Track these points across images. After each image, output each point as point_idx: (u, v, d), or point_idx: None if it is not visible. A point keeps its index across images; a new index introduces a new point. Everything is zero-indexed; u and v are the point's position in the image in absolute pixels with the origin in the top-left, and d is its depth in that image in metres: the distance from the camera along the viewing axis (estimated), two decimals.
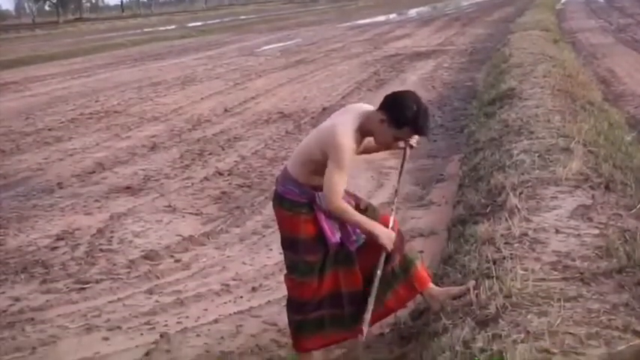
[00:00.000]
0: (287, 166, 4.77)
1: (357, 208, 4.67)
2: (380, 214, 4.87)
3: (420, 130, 4.50)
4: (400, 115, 4.43)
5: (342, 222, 4.64)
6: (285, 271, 4.87)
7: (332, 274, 4.73)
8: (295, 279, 4.77)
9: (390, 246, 4.60)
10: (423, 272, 4.88)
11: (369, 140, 4.68)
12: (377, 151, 4.96)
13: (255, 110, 15.03)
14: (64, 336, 5.68)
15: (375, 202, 7.69)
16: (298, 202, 4.63)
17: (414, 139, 4.77)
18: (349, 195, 4.75)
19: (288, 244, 4.77)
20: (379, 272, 4.67)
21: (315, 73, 20.33)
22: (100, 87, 19.22)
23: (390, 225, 4.70)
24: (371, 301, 4.64)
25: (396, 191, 5.02)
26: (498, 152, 8.29)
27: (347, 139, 4.43)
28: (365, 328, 4.59)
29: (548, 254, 5.10)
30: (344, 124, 4.51)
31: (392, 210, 4.84)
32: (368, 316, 4.63)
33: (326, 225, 4.62)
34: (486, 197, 6.82)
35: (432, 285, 4.89)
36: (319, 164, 4.54)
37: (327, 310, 4.79)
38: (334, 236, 4.64)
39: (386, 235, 4.60)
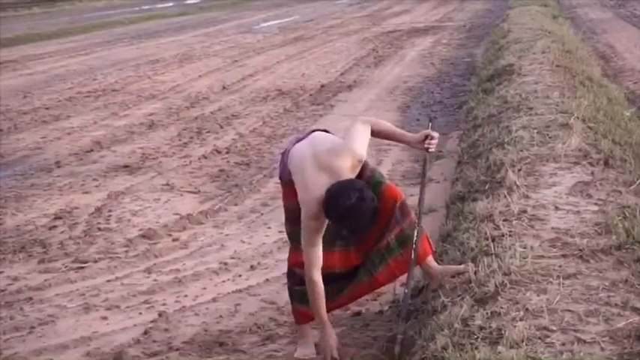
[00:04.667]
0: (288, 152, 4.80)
1: (362, 174, 4.68)
2: (385, 183, 4.83)
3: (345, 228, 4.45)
4: (327, 210, 4.37)
5: None
6: (286, 246, 4.92)
7: (327, 253, 4.68)
8: (292, 245, 4.86)
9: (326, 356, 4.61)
10: (421, 247, 4.84)
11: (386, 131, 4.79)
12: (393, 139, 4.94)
13: (253, 88, 14.97)
14: (62, 315, 5.67)
15: None
16: None
17: (433, 145, 4.73)
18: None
19: (288, 211, 4.83)
20: (408, 291, 4.75)
21: (314, 50, 20.24)
22: (98, 65, 19.11)
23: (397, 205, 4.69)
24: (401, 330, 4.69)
25: (420, 201, 4.90)
26: (497, 129, 8.27)
27: (311, 221, 4.47)
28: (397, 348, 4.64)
29: (547, 231, 5.09)
30: (310, 202, 4.47)
31: (416, 224, 4.78)
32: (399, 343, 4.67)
33: None
34: (485, 174, 6.80)
35: (430, 261, 4.88)
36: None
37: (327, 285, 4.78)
38: None
39: (326, 343, 4.63)
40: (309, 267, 4.55)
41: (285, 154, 4.79)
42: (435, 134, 4.75)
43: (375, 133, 4.78)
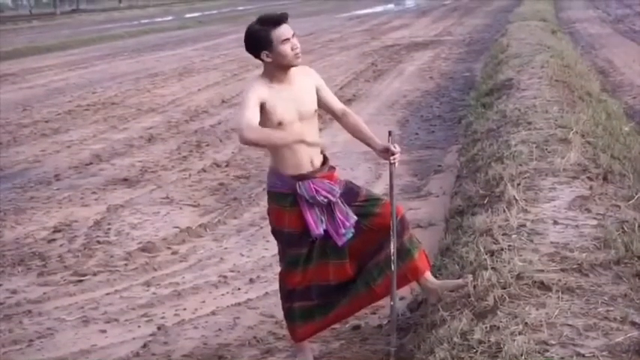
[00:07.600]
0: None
1: (356, 198, 4.70)
2: (384, 202, 4.82)
3: (277, 22, 4.76)
4: (260, 36, 4.67)
5: (330, 214, 4.63)
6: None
7: (320, 266, 4.71)
8: (283, 267, 4.85)
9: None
10: (420, 263, 4.84)
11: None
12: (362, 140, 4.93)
13: None
14: (61, 328, 5.67)
15: None
16: (282, 193, 4.65)
17: (395, 159, 4.73)
18: (350, 184, 4.78)
19: (276, 235, 4.85)
20: (394, 304, 4.75)
21: (313, 64, 20.20)
22: (97, 78, 19.15)
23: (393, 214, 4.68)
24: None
25: (392, 215, 4.79)
26: (496, 143, 8.27)
27: (248, 89, 4.73)
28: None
29: (546, 245, 5.09)
30: (247, 85, 4.83)
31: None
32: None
33: (310, 217, 4.60)
34: (484, 188, 6.80)
35: (428, 275, 4.87)
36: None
37: (315, 301, 4.79)
38: (318, 228, 4.60)
39: (293, 135, 4.68)
40: (242, 123, 4.74)
41: None
42: (396, 149, 4.72)
43: (350, 126, 4.95)
